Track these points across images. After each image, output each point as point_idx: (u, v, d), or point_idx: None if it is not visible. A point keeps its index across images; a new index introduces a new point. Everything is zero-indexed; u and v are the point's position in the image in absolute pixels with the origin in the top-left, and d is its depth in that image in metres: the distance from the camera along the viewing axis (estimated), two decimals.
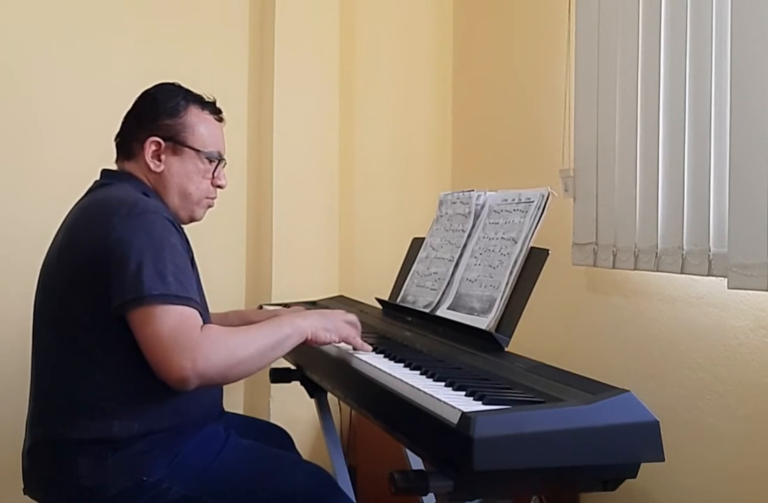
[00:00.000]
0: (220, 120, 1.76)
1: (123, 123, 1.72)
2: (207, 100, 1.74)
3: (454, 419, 1.14)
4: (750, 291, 1.76)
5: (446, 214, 2.01)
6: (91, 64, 2.54)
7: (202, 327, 1.45)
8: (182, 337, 1.40)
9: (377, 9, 3.00)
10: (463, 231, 1.89)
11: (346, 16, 2.89)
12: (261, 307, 2.39)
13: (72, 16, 2.54)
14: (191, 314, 1.45)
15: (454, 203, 1.99)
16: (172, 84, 1.73)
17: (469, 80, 3.03)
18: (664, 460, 1.18)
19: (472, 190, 1.92)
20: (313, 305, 2.34)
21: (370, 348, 1.64)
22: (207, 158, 1.70)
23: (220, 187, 1.75)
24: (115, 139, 1.72)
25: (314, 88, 2.78)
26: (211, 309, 1.93)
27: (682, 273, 1.90)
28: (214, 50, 2.75)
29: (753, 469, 1.85)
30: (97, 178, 1.72)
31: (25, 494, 1.61)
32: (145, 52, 2.60)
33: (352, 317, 1.69)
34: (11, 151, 2.46)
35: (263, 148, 2.79)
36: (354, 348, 1.65)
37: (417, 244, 2.11)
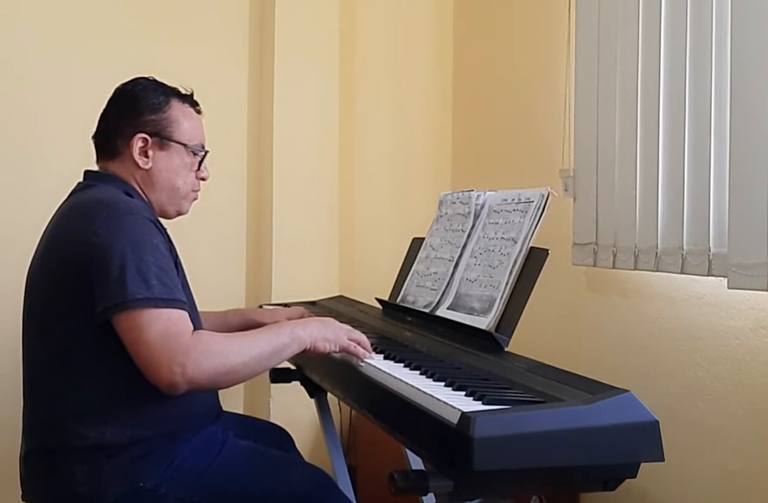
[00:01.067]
0: (199, 112, 1.75)
1: (101, 121, 1.69)
2: (185, 92, 1.73)
3: (454, 419, 1.14)
4: (750, 291, 1.76)
5: (446, 214, 2.01)
6: (90, 64, 2.54)
7: (193, 331, 1.43)
8: (171, 342, 1.39)
9: (377, 9, 2.99)
10: (463, 231, 1.89)
11: (347, 16, 2.89)
12: (261, 307, 2.39)
13: (72, 17, 2.53)
14: (179, 317, 1.43)
15: (454, 203, 1.99)
16: (146, 78, 1.71)
17: (469, 80, 3.02)
18: (664, 460, 1.18)
19: (472, 190, 1.92)
20: (312, 305, 2.34)
21: (370, 356, 1.60)
22: (192, 151, 1.70)
23: (203, 179, 1.75)
24: (94, 139, 1.70)
25: (314, 88, 2.78)
26: (210, 310, 1.94)
27: (682, 273, 1.90)
28: (215, 51, 2.75)
29: (753, 469, 1.85)
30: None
31: (23, 500, 1.60)
32: (145, 53, 2.59)
33: (358, 334, 1.62)
34: (8, 150, 2.46)
35: (263, 148, 2.79)
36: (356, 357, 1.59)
37: (417, 244, 2.11)
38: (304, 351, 1.55)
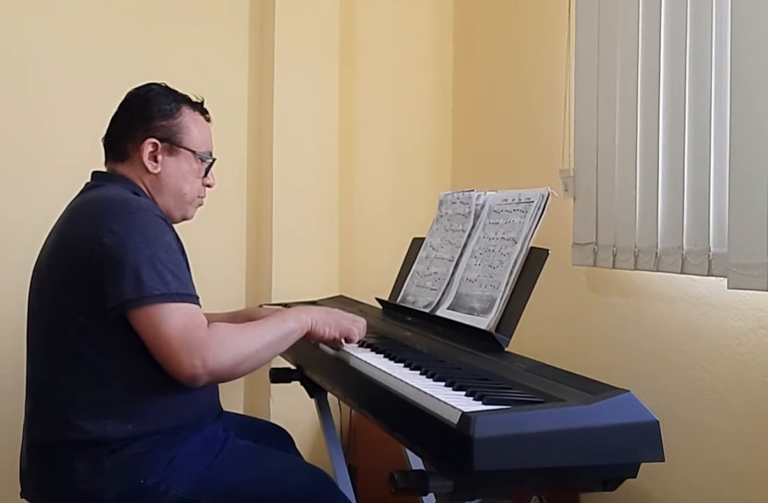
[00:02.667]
0: (208, 120, 1.78)
1: (112, 125, 1.72)
2: (195, 100, 1.75)
3: (454, 419, 1.13)
4: (750, 291, 1.76)
5: (446, 214, 2.01)
6: (94, 67, 2.55)
7: (208, 325, 1.48)
8: (191, 336, 1.43)
9: (377, 9, 3.00)
10: (463, 231, 1.89)
11: (347, 16, 2.89)
12: (261, 307, 2.39)
13: (77, 20, 2.54)
14: (196, 311, 1.49)
15: (454, 203, 1.99)
16: (158, 84, 1.73)
17: (469, 80, 3.03)
18: (664, 460, 1.18)
19: (472, 190, 1.92)
20: (313, 305, 2.34)
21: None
22: (200, 158, 1.72)
23: (209, 186, 1.78)
24: (104, 141, 1.72)
25: (314, 87, 2.78)
26: (211, 310, 1.94)
27: (682, 273, 1.90)
28: (215, 51, 2.75)
29: (753, 469, 1.85)
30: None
31: (22, 497, 1.61)
32: (147, 55, 2.60)
33: (359, 318, 1.72)
34: (15, 151, 2.47)
35: (263, 147, 2.79)
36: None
37: (417, 243, 2.11)
38: (306, 335, 1.62)
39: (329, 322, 1.64)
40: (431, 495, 1.23)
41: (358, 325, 1.69)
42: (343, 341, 1.68)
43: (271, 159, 2.73)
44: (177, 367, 1.43)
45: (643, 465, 1.18)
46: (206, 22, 2.74)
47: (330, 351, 1.72)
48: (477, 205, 1.89)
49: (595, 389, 1.25)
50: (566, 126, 2.38)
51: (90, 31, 2.56)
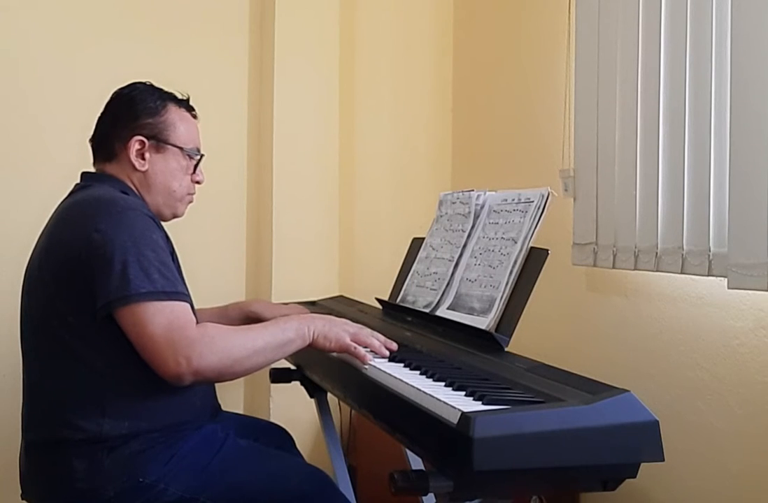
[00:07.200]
0: (195, 117, 1.78)
1: (99, 124, 1.72)
2: (181, 97, 1.75)
3: (454, 419, 1.13)
4: (750, 291, 1.76)
5: (446, 214, 2.01)
6: (91, 66, 2.54)
7: (197, 324, 1.46)
8: (177, 335, 1.42)
9: (377, 8, 3.00)
10: (463, 231, 1.89)
11: (347, 16, 2.89)
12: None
13: (73, 20, 2.53)
14: (183, 309, 1.47)
15: (454, 203, 1.99)
16: (143, 83, 1.73)
17: (469, 80, 3.03)
18: (664, 460, 1.18)
19: (472, 190, 1.92)
20: (312, 305, 2.34)
21: (371, 359, 1.56)
22: (188, 155, 1.72)
23: (198, 182, 1.78)
24: (91, 141, 1.73)
25: (314, 88, 2.78)
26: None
27: (682, 273, 1.90)
28: (215, 50, 2.75)
29: (753, 469, 1.85)
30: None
31: (23, 499, 1.61)
32: (146, 55, 2.60)
33: (365, 331, 1.62)
34: (8, 151, 2.46)
35: (263, 147, 2.79)
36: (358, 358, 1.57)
37: (417, 243, 2.11)
38: (309, 346, 1.57)
39: (330, 336, 1.57)
40: (431, 495, 1.23)
41: (358, 337, 1.58)
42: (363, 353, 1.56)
43: (271, 159, 2.73)
44: (161, 365, 1.42)
45: (643, 465, 1.18)
46: (206, 22, 2.74)
47: (332, 353, 1.67)
48: (477, 205, 1.89)
49: (594, 389, 1.25)
50: (566, 126, 2.38)
51: (88, 31, 2.55)
